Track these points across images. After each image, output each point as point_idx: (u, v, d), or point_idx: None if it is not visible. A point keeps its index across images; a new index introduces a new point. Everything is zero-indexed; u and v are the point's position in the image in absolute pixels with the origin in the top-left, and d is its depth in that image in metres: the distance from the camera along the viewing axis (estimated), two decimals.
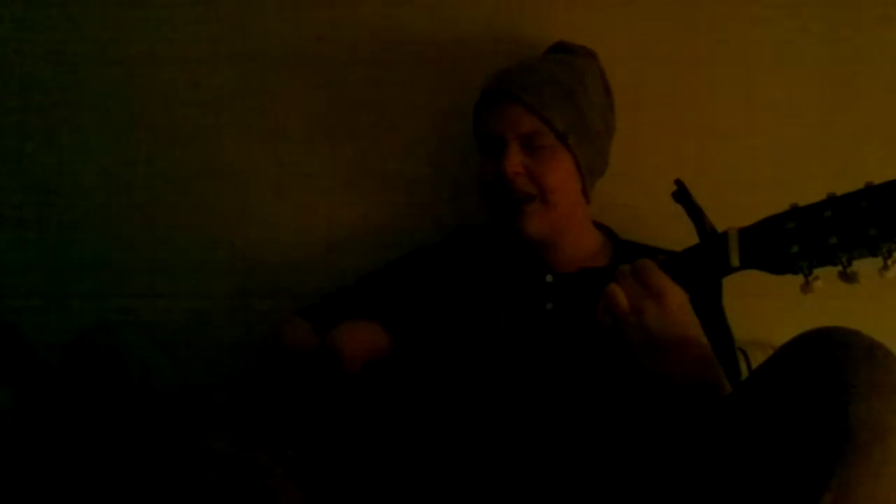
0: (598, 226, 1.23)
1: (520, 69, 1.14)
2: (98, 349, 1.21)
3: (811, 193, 0.79)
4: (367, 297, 1.24)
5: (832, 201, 0.77)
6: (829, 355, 0.71)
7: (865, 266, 0.76)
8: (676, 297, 0.87)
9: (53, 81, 1.41)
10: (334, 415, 1.09)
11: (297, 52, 1.38)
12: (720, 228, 0.86)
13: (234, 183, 1.42)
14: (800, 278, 0.80)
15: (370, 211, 1.41)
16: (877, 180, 0.75)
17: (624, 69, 1.24)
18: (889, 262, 0.73)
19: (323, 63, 1.38)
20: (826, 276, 0.78)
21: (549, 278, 1.13)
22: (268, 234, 1.43)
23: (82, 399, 1.15)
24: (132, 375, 1.22)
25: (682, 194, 0.90)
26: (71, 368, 1.19)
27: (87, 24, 1.40)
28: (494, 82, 1.15)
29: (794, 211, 0.80)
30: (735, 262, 0.83)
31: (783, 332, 0.81)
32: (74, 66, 1.41)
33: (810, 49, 1.28)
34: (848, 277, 0.76)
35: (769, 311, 1.24)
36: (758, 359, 1.22)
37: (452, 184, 1.38)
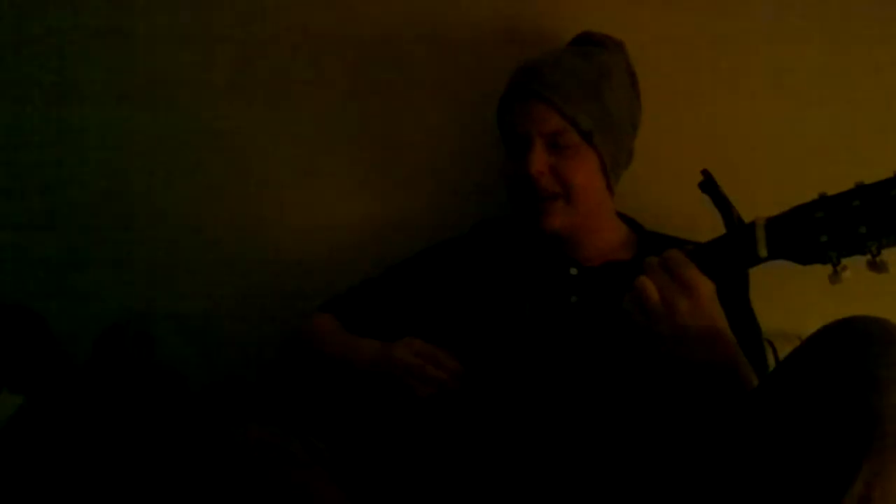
0: (623, 217, 1.23)
1: (546, 65, 1.12)
2: (128, 339, 1.23)
3: (839, 183, 0.79)
4: (393, 289, 1.24)
5: (861, 190, 0.77)
6: (855, 345, 0.71)
7: (894, 255, 0.75)
8: (706, 290, 0.87)
9: (60, 79, 1.42)
10: (363, 408, 1.10)
11: (307, 50, 1.38)
12: (746, 219, 0.86)
13: (264, 175, 1.42)
14: (827, 268, 0.79)
15: (376, 209, 1.41)
16: None
17: (647, 58, 1.22)
18: None
19: (334, 59, 1.37)
20: (854, 266, 0.78)
21: (573, 271, 1.13)
22: (296, 229, 1.43)
23: (114, 389, 1.17)
24: (161, 366, 1.24)
25: (709, 184, 0.90)
26: (102, 359, 1.22)
27: (87, 22, 1.40)
28: (521, 77, 1.13)
29: (823, 200, 0.79)
30: (763, 252, 0.83)
31: (811, 323, 0.81)
32: (80, 65, 1.42)
33: (840, 36, 1.26)
34: (877, 267, 0.75)
35: (796, 303, 1.23)
36: (785, 350, 1.19)
37: (467, 180, 1.37)
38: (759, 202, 0.87)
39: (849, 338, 0.72)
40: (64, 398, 1.15)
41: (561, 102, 1.09)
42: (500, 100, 1.17)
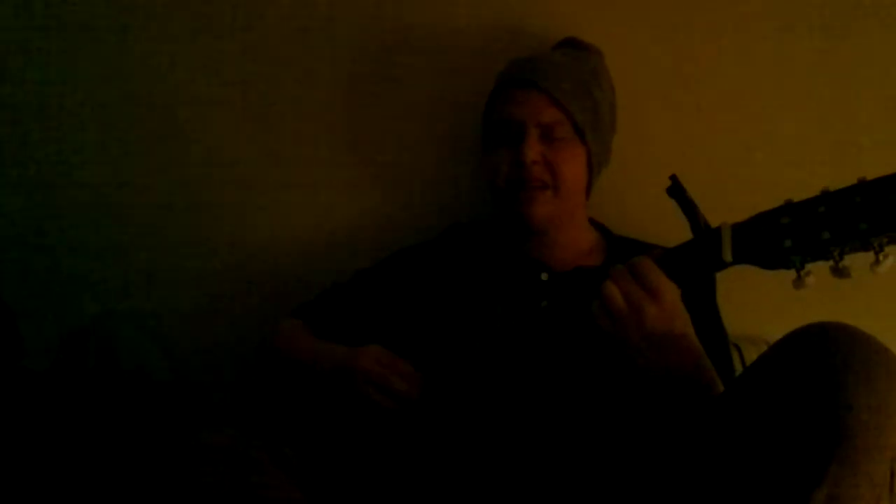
0: (593, 222, 1.23)
1: (542, 60, 1.15)
2: (93, 344, 1.21)
3: (806, 190, 0.80)
4: (361, 294, 1.23)
5: (826, 197, 0.77)
6: (822, 351, 0.71)
7: (858, 261, 0.76)
8: (672, 295, 0.87)
9: (52, 78, 1.41)
10: (331, 413, 1.09)
11: (297, 52, 1.38)
12: (716, 224, 0.87)
13: (236, 179, 1.41)
14: (792, 273, 0.80)
15: (371, 209, 1.41)
16: (871, 177, 0.75)
17: (619, 66, 1.24)
18: (880, 256, 0.74)
19: (324, 62, 1.38)
20: (819, 272, 0.79)
21: (544, 276, 1.13)
22: (268, 232, 1.42)
23: (76, 395, 1.15)
24: (126, 371, 1.22)
25: (676, 189, 0.90)
26: (66, 364, 1.19)
27: (85, 22, 1.39)
28: (518, 68, 1.15)
29: (789, 206, 0.80)
30: (728, 257, 0.84)
31: (777, 327, 0.82)
32: (74, 64, 1.40)
33: (806, 46, 1.28)
34: (840, 272, 0.76)
35: (763, 307, 1.24)
36: (752, 354, 1.22)
37: (454, 182, 1.38)
38: (727, 209, 0.87)
39: (816, 343, 0.73)
40: (21, 404, 1.13)
41: (559, 95, 1.11)
42: (494, 89, 1.18)
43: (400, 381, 1.05)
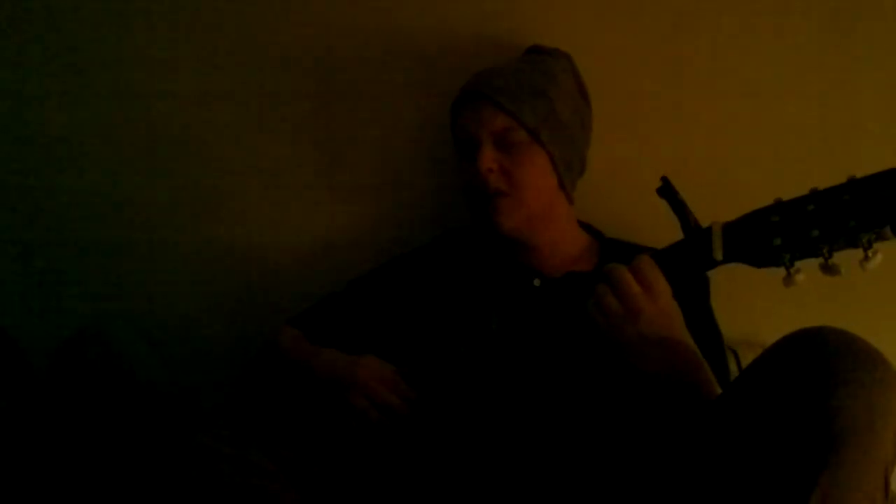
0: (584, 226, 1.23)
1: (493, 71, 1.16)
2: (90, 348, 1.21)
3: (796, 189, 0.80)
4: (356, 304, 1.24)
5: (815, 195, 0.78)
6: (816, 356, 0.72)
7: (848, 259, 0.76)
8: (668, 295, 0.88)
9: (52, 78, 1.42)
10: (329, 416, 1.09)
11: (293, 55, 1.38)
12: (706, 224, 0.87)
13: (230, 184, 1.42)
14: (783, 272, 0.80)
15: (368, 212, 1.41)
16: (861, 175, 0.75)
17: (608, 69, 1.25)
18: (869, 253, 0.74)
19: (320, 66, 1.38)
20: (809, 270, 0.79)
21: (536, 282, 1.14)
22: (264, 235, 1.43)
23: (73, 399, 1.15)
24: (123, 374, 1.22)
25: (666, 190, 0.91)
26: (62, 368, 1.19)
27: (83, 25, 1.40)
28: (470, 83, 1.16)
29: (778, 205, 0.81)
30: (718, 255, 0.84)
31: (774, 332, 0.82)
32: (71, 67, 1.41)
33: (795, 47, 1.28)
34: (829, 269, 0.76)
35: (760, 311, 1.24)
36: (748, 359, 1.21)
37: (448, 188, 1.37)
38: (718, 209, 0.88)
39: (811, 348, 0.73)
40: (20, 408, 1.14)
41: (505, 101, 1.11)
42: (451, 106, 1.19)
43: (393, 396, 1.06)
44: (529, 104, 1.11)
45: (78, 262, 1.45)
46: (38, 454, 1.08)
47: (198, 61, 1.40)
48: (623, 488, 0.91)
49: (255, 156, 1.41)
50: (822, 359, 0.71)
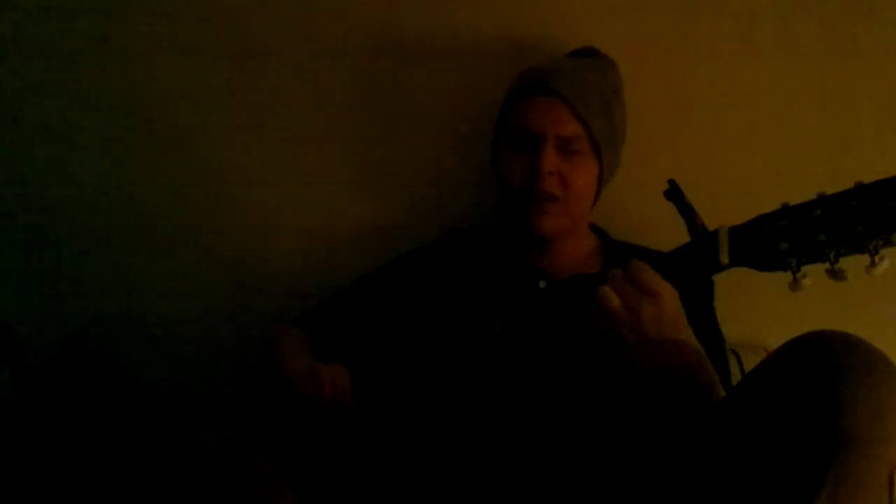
0: (592, 227, 1.23)
1: (565, 70, 1.13)
2: (92, 347, 1.21)
3: (804, 194, 0.80)
4: (360, 303, 1.23)
5: (822, 200, 0.78)
6: (821, 359, 0.72)
7: (854, 264, 0.76)
8: (669, 296, 0.87)
9: (52, 79, 1.41)
10: (326, 415, 1.09)
11: (293, 55, 1.38)
12: (713, 228, 0.87)
13: (231, 184, 1.42)
14: (789, 276, 0.80)
15: (370, 211, 1.41)
16: (868, 181, 0.76)
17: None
18: (876, 258, 0.74)
19: (321, 65, 1.38)
20: (815, 275, 0.79)
21: (542, 284, 1.14)
22: (265, 235, 1.42)
23: (75, 397, 1.15)
24: (124, 374, 1.22)
25: (674, 193, 0.91)
26: (64, 366, 1.19)
27: (83, 24, 1.39)
28: (540, 75, 1.12)
29: (785, 209, 0.81)
30: (724, 259, 0.84)
31: (777, 334, 0.83)
32: (72, 66, 1.40)
33: (804, 51, 1.29)
34: (836, 275, 0.77)
35: (763, 314, 1.24)
36: (751, 361, 1.22)
37: (454, 184, 1.38)
38: (726, 212, 0.88)
39: (816, 351, 0.73)
40: (21, 404, 1.13)
41: (582, 109, 1.09)
42: (512, 94, 1.16)
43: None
44: (599, 116, 1.11)
45: (78, 262, 1.44)
46: (38, 453, 1.07)
47: (198, 61, 1.39)
48: (628, 489, 0.91)
49: (256, 156, 1.41)
50: (826, 362, 0.71)
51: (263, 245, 1.43)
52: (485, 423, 1.00)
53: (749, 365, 1.21)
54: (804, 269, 0.79)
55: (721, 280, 0.91)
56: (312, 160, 1.40)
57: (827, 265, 0.77)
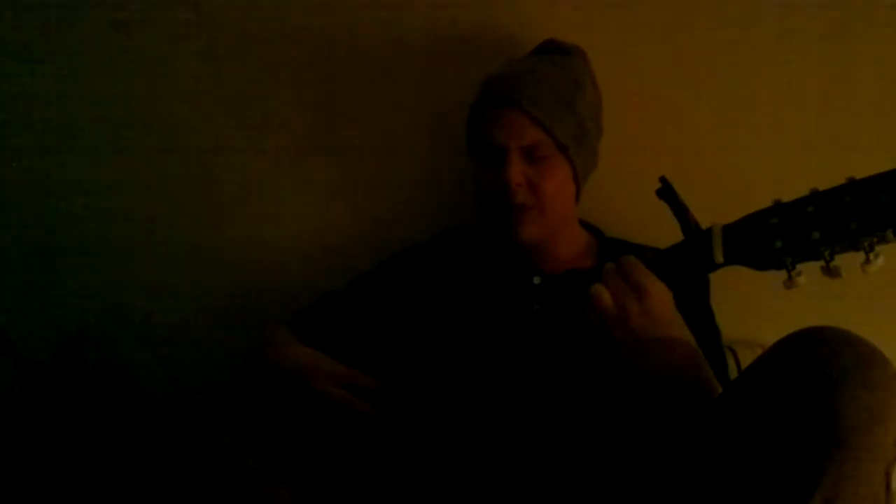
0: (585, 224, 1.23)
1: (522, 74, 1.11)
2: (88, 350, 1.21)
3: (796, 190, 0.80)
4: (355, 302, 1.23)
5: (815, 197, 0.78)
6: (817, 355, 0.71)
7: (849, 261, 0.76)
8: (660, 295, 0.87)
9: (51, 80, 1.41)
10: (323, 417, 1.09)
11: (292, 55, 1.38)
12: (707, 226, 0.87)
13: (230, 184, 1.42)
14: (784, 275, 0.80)
15: (366, 213, 1.41)
16: (861, 176, 0.75)
17: (610, 66, 1.23)
18: (871, 255, 0.74)
19: (320, 66, 1.38)
20: (811, 272, 0.79)
21: (536, 280, 1.13)
22: (264, 236, 1.43)
23: (71, 400, 1.15)
24: (122, 376, 1.22)
25: (666, 191, 0.90)
26: (61, 370, 1.19)
27: (84, 24, 1.40)
28: (497, 85, 1.12)
29: (778, 207, 0.80)
30: (719, 258, 0.84)
31: (773, 331, 0.82)
32: (73, 69, 1.41)
33: (796, 48, 1.28)
34: (830, 272, 0.76)
35: (759, 311, 1.24)
36: (747, 358, 1.22)
37: (447, 186, 1.38)
38: (718, 210, 0.88)
39: (812, 347, 0.72)
40: (17, 407, 1.13)
41: (540, 115, 1.07)
42: (473, 107, 1.16)
43: (347, 397, 1.06)
44: (561, 118, 1.09)
45: (77, 264, 1.45)
46: (36, 456, 1.07)
47: (198, 61, 1.40)
48: (623, 488, 0.91)
49: (255, 156, 1.41)
50: (822, 359, 0.70)
51: (260, 248, 1.43)
52: (480, 422, 1.00)
53: (745, 362, 1.21)
54: (799, 266, 0.79)
55: (716, 277, 0.91)
56: (309, 162, 1.41)
57: (822, 263, 0.77)
